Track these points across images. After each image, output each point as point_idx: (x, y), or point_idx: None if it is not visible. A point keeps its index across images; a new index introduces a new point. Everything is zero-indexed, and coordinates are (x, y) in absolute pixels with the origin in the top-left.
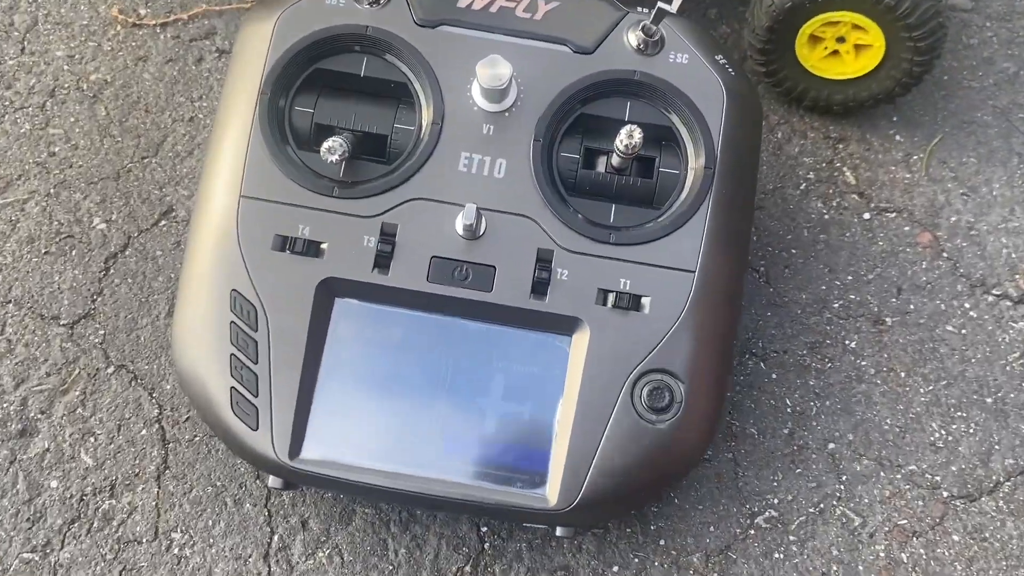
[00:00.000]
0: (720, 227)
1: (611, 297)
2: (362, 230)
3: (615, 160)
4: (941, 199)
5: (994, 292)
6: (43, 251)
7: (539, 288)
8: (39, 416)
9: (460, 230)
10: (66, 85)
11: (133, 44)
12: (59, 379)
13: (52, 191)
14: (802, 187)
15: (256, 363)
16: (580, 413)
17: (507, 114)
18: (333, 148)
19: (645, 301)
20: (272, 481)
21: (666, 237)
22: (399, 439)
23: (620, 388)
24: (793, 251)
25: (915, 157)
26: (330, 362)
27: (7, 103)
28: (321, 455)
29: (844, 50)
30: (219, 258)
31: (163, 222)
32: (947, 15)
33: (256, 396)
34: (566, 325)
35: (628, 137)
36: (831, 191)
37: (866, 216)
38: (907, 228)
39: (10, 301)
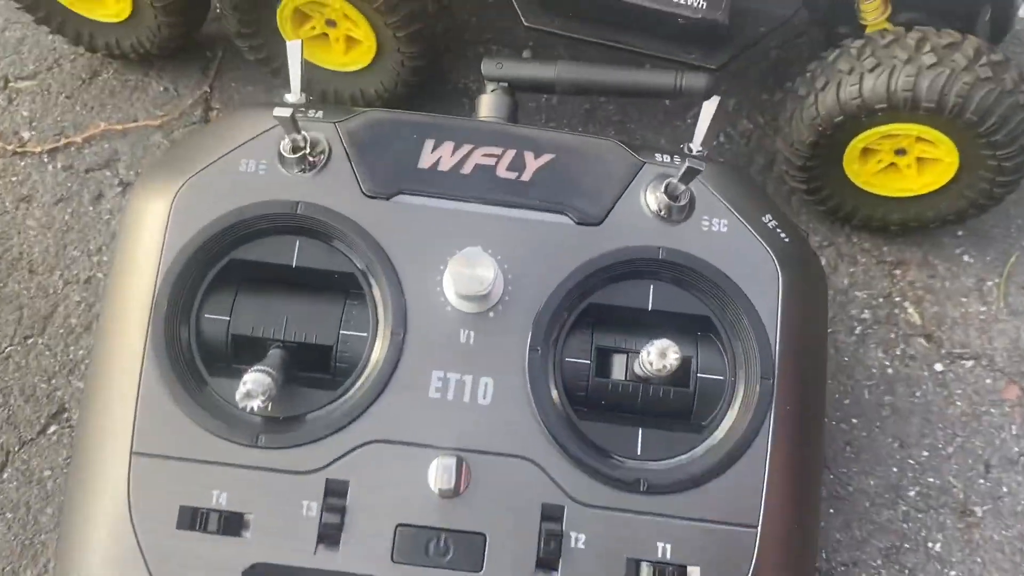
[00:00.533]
0: (787, 458)
1: (646, 570)
2: (300, 492)
3: (639, 369)
4: (1022, 336)
5: None
6: None
7: (547, 562)
8: None
9: (435, 485)
10: None
11: (14, 179)
12: None
13: None
14: (857, 331)
15: None
16: None
17: (491, 314)
18: (253, 392)
19: (694, 573)
20: None
21: (716, 479)
22: None
23: None
24: (854, 421)
25: (990, 283)
26: None
27: None
28: None
29: (904, 163)
30: (106, 539)
31: (52, 427)
32: None
33: None
34: None
35: (661, 357)
36: (893, 335)
37: (938, 368)
38: (989, 380)
39: None
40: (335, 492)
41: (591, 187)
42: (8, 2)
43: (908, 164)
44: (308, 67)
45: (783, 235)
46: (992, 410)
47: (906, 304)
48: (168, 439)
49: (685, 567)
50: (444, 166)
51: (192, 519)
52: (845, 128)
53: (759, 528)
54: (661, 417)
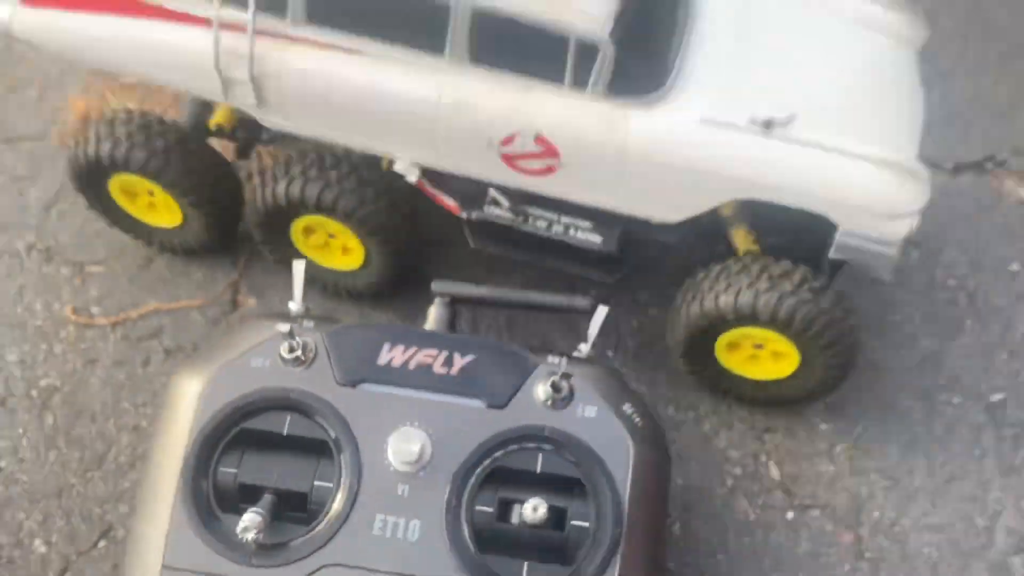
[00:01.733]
0: None
1: None
2: None
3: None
4: (864, 493)
5: None
6: None
7: None
8: None
9: None
10: (16, 392)
11: (83, 346)
12: None
13: None
14: (729, 484)
15: None
16: None
17: (422, 473)
18: (249, 527)
19: None
20: None
21: None
22: None
23: None
24: (719, 557)
25: (839, 447)
26: None
27: None
28: None
29: (763, 355)
30: None
31: (101, 543)
32: (858, 331)
33: None
34: None
35: (532, 511)
36: (756, 488)
37: (790, 515)
38: (829, 527)
39: None
40: None
41: (499, 381)
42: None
43: (765, 356)
44: (314, 266)
45: (637, 420)
46: (830, 550)
47: (770, 463)
48: (189, 558)
49: None
50: (396, 363)
51: None
52: (710, 330)
53: None
54: (543, 553)
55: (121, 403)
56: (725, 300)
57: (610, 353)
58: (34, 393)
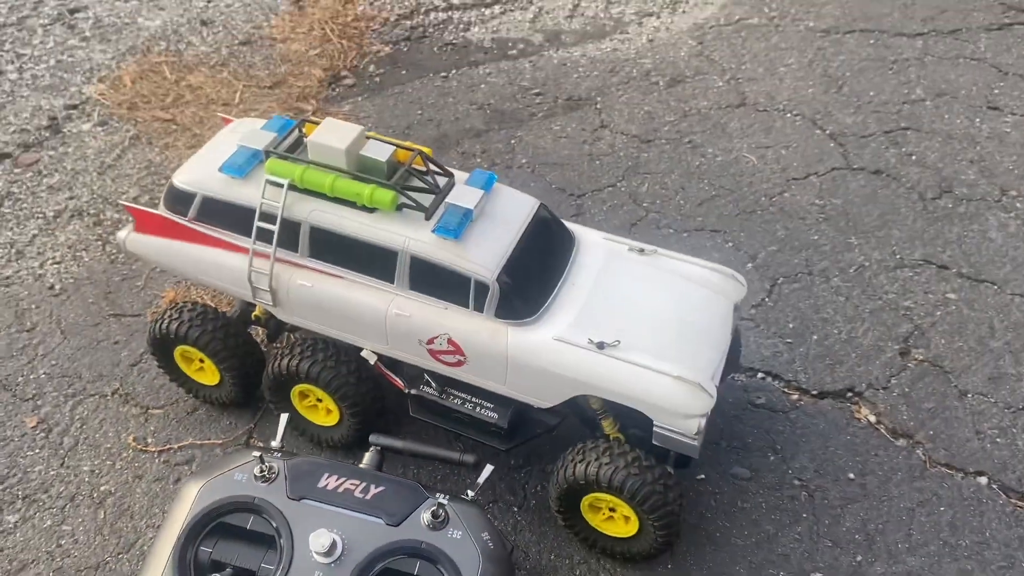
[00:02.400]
0: None
1: None
2: None
3: None
4: None
5: None
6: None
7: None
8: None
9: None
10: (83, 493)
11: (136, 464)
12: None
13: (51, 575)
14: None
15: None
16: None
17: (333, 565)
18: None
19: None
20: None
21: None
22: None
23: None
24: None
25: None
26: None
27: (40, 503)
28: None
29: (617, 516)
30: None
31: None
32: (680, 504)
33: None
34: None
35: None
36: None
37: None
38: None
39: None
40: None
41: (398, 506)
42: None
43: (618, 517)
44: (306, 422)
45: (490, 544)
46: None
47: None
48: None
49: None
50: (330, 487)
51: None
52: (572, 492)
53: None
54: None
55: (153, 508)
56: (579, 469)
57: (515, 509)
58: (95, 495)
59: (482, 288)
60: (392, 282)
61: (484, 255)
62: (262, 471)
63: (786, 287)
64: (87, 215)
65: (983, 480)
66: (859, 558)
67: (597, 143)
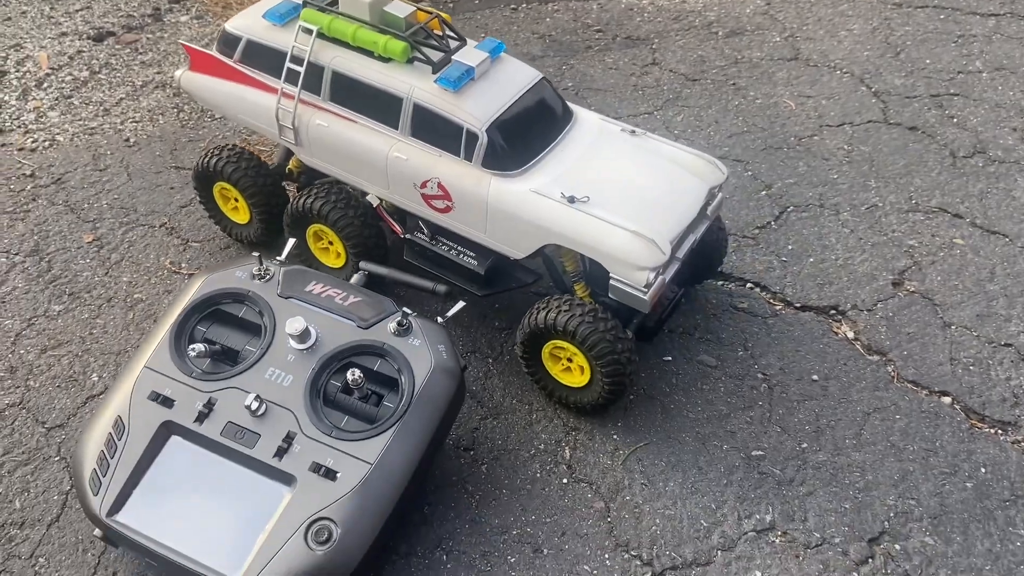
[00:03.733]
0: (397, 444)
1: (320, 468)
2: (197, 398)
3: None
4: (625, 482)
5: (631, 552)
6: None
7: (280, 452)
8: None
9: (249, 406)
10: (119, 298)
11: (167, 282)
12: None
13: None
14: (531, 452)
15: (111, 458)
16: (273, 533)
17: (305, 351)
18: (195, 349)
19: (338, 474)
20: (96, 531)
21: (364, 440)
22: (176, 524)
23: (302, 522)
24: (503, 492)
25: (620, 451)
26: (155, 469)
27: (82, 300)
28: (129, 522)
29: (573, 367)
30: (120, 395)
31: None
32: (628, 357)
33: (103, 476)
34: (287, 479)
35: (351, 375)
36: (549, 460)
37: (564, 480)
38: (589, 495)
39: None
40: (210, 402)
41: (370, 314)
42: (196, 208)
43: (575, 367)
44: (316, 264)
45: (444, 354)
46: (583, 509)
47: (566, 448)
48: (160, 364)
49: (336, 472)
50: (315, 292)
51: (155, 396)
52: (535, 337)
53: (372, 465)
54: (361, 418)
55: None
56: (541, 316)
57: (490, 360)
58: (128, 300)
59: (472, 138)
60: (396, 128)
61: (477, 108)
62: (259, 271)
63: (794, 215)
64: (169, 88)
65: (947, 400)
66: (804, 445)
67: (644, 76)
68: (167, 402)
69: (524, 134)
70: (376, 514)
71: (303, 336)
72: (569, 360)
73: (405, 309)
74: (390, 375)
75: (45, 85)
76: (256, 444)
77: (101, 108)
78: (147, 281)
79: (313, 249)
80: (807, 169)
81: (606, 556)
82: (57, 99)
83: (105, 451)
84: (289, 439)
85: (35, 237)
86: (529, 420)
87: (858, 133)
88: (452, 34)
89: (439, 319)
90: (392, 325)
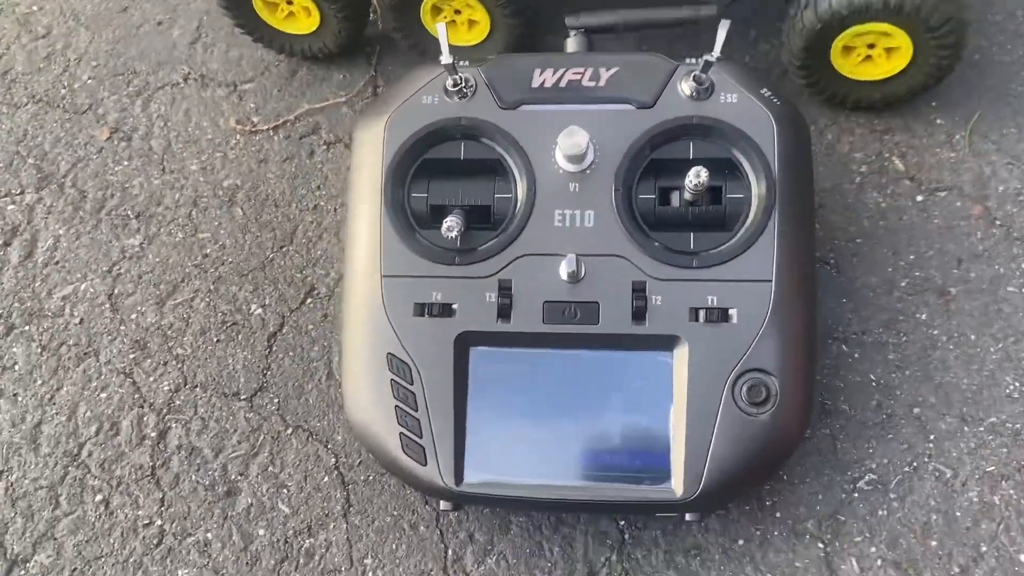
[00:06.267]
0: (787, 238)
1: (702, 313)
2: (484, 288)
3: (687, 195)
4: (987, 171)
5: None
6: (215, 340)
7: (638, 315)
8: (239, 478)
9: (564, 276)
10: (205, 194)
11: (253, 149)
12: (249, 445)
13: (212, 287)
14: (857, 181)
15: (416, 411)
16: (691, 416)
17: (588, 171)
18: (452, 226)
19: (732, 312)
20: (443, 505)
21: (743, 255)
22: (542, 456)
23: (722, 390)
24: (858, 241)
25: (958, 136)
26: (475, 401)
27: (160, 218)
28: (480, 479)
29: (876, 54)
30: (373, 329)
31: (308, 300)
32: (966, 9)
33: (421, 438)
34: (666, 342)
35: (696, 177)
36: (884, 180)
37: (919, 198)
38: (959, 204)
39: (197, 385)
40: (504, 287)
41: (644, 84)
42: (232, 32)
43: (879, 54)
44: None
45: (775, 100)
46: (962, 223)
47: (893, 158)
48: (403, 265)
49: (727, 309)
50: (548, 84)
51: (422, 309)
52: (825, 33)
53: (772, 281)
54: (706, 225)
55: (298, 190)
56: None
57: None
58: (220, 192)
59: None
60: None
61: None
62: (456, 84)
63: None
64: None
65: None
66: None
67: None
68: (445, 310)
69: None
70: (805, 341)
71: (584, 153)
72: (870, 47)
73: (690, 60)
74: (716, 156)
75: None
76: (600, 316)
77: None
78: (223, 158)
79: (433, 32)
80: None
81: (1022, 263)
82: None
83: (402, 404)
84: (640, 292)
85: (32, 158)
86: (827, 143)
87: None
88: None
89: (706, 58)
90: (686, 87)
